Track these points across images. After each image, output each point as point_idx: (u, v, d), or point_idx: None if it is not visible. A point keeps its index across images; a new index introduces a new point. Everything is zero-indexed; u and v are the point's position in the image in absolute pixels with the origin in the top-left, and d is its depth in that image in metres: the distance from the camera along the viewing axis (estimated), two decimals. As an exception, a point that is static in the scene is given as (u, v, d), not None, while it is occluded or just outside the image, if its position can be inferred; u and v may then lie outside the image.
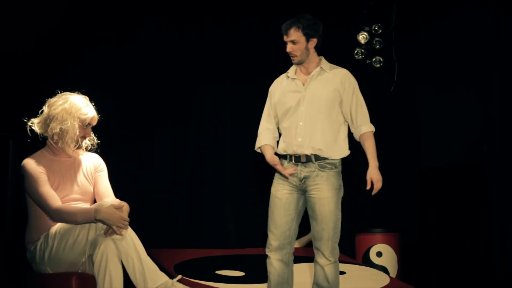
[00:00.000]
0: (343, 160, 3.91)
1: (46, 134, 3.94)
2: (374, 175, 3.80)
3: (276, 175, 3.94)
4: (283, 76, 4.03)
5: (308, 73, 3.93)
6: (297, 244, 4.86)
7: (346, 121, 3.94)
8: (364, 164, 3.93)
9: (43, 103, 3.97)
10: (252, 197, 6.00)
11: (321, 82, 3.89)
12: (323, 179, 3.82)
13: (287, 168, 3.87)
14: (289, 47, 3.86)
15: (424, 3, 6.00)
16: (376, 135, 3.93)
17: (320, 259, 3.84)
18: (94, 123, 4.01)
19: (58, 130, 3.87)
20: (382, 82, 6.23)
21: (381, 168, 3.85)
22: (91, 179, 4.04)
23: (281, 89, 3.97)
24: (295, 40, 3.84)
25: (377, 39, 6.13)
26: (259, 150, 4.02)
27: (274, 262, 3.87)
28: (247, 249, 5.69)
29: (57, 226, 3.80)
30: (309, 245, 4.98)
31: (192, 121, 6.05)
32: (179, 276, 3.88)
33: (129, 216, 3.78)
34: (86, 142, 4.05)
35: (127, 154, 5.68)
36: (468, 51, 5.70)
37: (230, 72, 6.12)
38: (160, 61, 5.87)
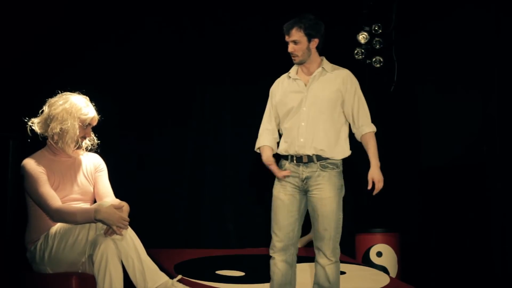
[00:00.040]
0: (344, 160, 3.91)
1: (46, 134, 3.94)
2: (375, 175, 3.80)
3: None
4: (284, 76, 4.03)
5: (309, 73, 3.93)
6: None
7: (347, 122, 3.94)
8: (364, 164, 3.93)
9: (44, 103, 3.97)
10: (252, 197, 6.01)
11: (323, 82, 3.89)
12: (324, 179, 3.82)
13: (283, 170, 3.87)
14: (291, 47, 3.86)
15: (424, 3, 6.00)
16: (376, 135, 3.93)
17: (321, 259, 3.84)
18: (94, 123, 4.01)
19: (58, 130, 3.87)
20: (382, 82, 6.23)
21: (381, 168, 3.85)
22: (91, 179, 4.04)
23: (282, 90, 3.96)
24: (297, 40, 3.83)
25: (377, 39, 6.13)
26: (258, 151, 4.02)
27: (279, 263, 3.87)
28: (247, 249, 5.69)
29: (57, 226, 3.80)
30: (309, 245, 4.98)
31: (192, 121, 6.05)
32: (179, 276, 3.88)
33: (129, 216, 3.78)
34: (86, 142, 4.05)
35: (127, 154, 5.68)
36: (468, 51, 5.70)
37: (230, 72, 6.12)
38: (160, 61, 5.87)
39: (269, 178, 4.01)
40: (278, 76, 4.07)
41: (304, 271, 4.78)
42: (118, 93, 5.58)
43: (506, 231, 5.36)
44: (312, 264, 4.00)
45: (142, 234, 3.86)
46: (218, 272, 4.90)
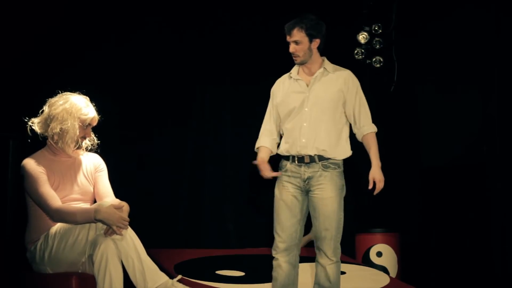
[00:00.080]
0: (344, 160, 3.92)
1: (46, 134, 3.94)
2: (376, 175, 3.81)
3: (280, 176, 3.93)
4: (285, 76, 4.03)
5: (311, 73, 3.93)
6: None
7: (348, 122, 3.94)
8: (364, 164, 3.93)
9: (44, 103, 3.97)
10: (252, 197, 6.00)
11: (325, 83, 3.89)
12: (326, 179, 3.82)
13: (283, 170, 3.88)
14: (292, 47, 3.86)
15: (424, 3, 6.00)
16: (376, 135, 3.93)
17: (322, 259, 3.85)
18: (94, 123, 4.01)
19: (58, 130, 3.86)
20: (382, 82, 6.23)
21: (381, 168, 3.85)
22: (91, 179, 4.04)
23: (284, 90, 3.96)
24: (298, 41, 3.83)
25: (377, 39, 6.14)
26: (257, 151, 4.02)
27: (283, 264, 3.87)
28: (247, 249, 5.69)
29: (57, 226, 3.80)
30: (310, 245, 4.98)
31: (192, 121, 6.05)
32: (179, 276, 3.88)
33: (129, 216, 3.78)
34: (86, 142, 4.05)
35: (127, 154, 5.68)
36: (468, 51, 5.70)
37: (230, 72, 6.12)
38: (160, 61, 5.87)
39: (269, 178, 4.01)
40: (278, 76, 4.07)
41: (305, 271, 4.78)
42: (118, 93, 5.58)
43: (506, 231, 5.36)
44: (313, 264, 4.00)
45: (142, 234, 3.86)
46: (218, 272, 4.90)
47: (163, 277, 3.76)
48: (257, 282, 4.63)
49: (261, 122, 4.06)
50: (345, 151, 3.89)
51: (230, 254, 5.50)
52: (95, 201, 4.03)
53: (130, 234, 3.75)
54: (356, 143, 3.97)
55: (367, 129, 3.89)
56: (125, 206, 3.82)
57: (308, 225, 3.95)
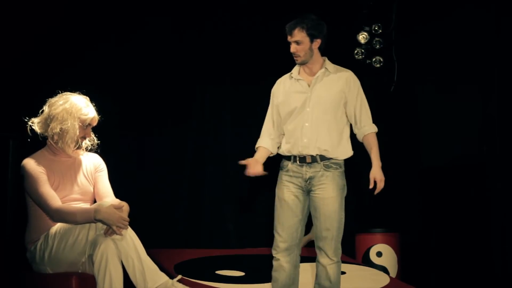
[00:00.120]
0: (345, 160, 3.92)
1: (46, 134, 3.94)
2: (377, 175, 3.81)
3: (281, 176, 3.93)
4: (285, 76, 4.02)
5: (312, 73, 3.93)
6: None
7: (349, 122, 3.95)
8: (364, 164, 3.93)
9: (44, 103, 3.97)
10: (252, 197, 6.00)
11: (326, 83, 3.89)
12: (328, 179, 3.82)
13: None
14: (293, 48, 3.86)
15: (424, 3, 6.00)
16: (376, 135, 3.93)
17: (323, 259, 3.85)
18: (94, 123, 4.01)
19: (58, 130, 3.86)
20: (382, 82, 6.23)
21: (382, 168, 3.85)
22: (91, 179, 4.04)
23: (285, 90, 3.96)
24: (299, 41, 3.83)
25: (377, 39, 6.13)
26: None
27: (284, 264, 3.87)
28: (247, 249, 5.69)
29: (57, 226, 3.80)
30: (310, 245, 4.98)
31: (192, 121, 6.05)
32: (179, 276, 3.88)
33: (129, 216, 3.78)
34: (86, 143, 4.05)
35: (127, 154, 5.68)
36: (468, 51, 5.70)
37: (230, 72, 6.12)
38: (160, 61, 5.87)
39: (269, 178, 4.01)
40: (279, 76, 4.07)
41: (306, 271, 4.78)
42: (118, 93, 5.58)
43: (506, 231, 5.36)
44: (313, 264, 4.00)
45: (142, 234, 3.86)
46: (218, 272, 4.90)
47: (163, 277, 3.76)
48: (257, 282, 4.63)
49: (261, 122, 4.06)
50: (347, 151, 3.90)
51: (230, 254, 5.50)
52: (95, 201, 4.03)
53: (130, 234, 3.75)
54: (355, 143, 3.97)
55: (368, 129, 3.90)
56: (125, 206, 3.82)
57: (308, 225, 3.95)
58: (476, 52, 5.65)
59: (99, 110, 4.03)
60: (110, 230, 3.67)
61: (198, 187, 5.99)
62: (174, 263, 4.87)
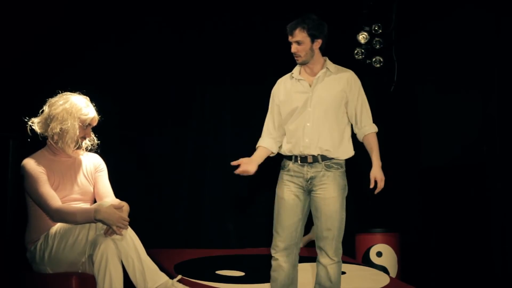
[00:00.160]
0: (346, 159, 3.92)
1: (46, 134, 3.94)
2: (378, 174, 3.81)
3: (282, 176, 3.93)
4: (286, 76, 4.02)
5: (313, 73, 3.93)
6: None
7: (350, 122, 3.95)
8: (364, 164, 3.93)
9: (44, 103, 3.97)
10: (252, 197, 6.00)
11: (327, 83, 3.90)
12: (329, 179, 3.82)
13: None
14: (294, 48, 3.86)
15: (424, 3, 6.00)
16: (376, 135, 3.94)
17: (323, 259, 3.85)
18: (94, 123, 4.01)
19: (58, 130, 3.86)
20: (382, 82, 6.23)
21: (382, 168, 3.85)
22: (91, 179, 4.04)
23: (286, 90, 3.96)
24: (300, 41, 3.83)
25: (377, 39, 6.13)
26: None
27: (283, 264, 3.87)
28: (247, 249, 5.69)
29: (57, 226, 3.80)
30: (310, 245, 4.98)
31: (192, 121, 6.05)
32: (179, 276, 3.88)
33: (129, 216, 3.78)
34: (86, 143, 4.05)
35: (127, 154, 5.68)
36: (468, 51, 5.70)
37: (230, 72, 6.12)
38: (160, 61, 5.87)
39: (269, 178, 4.01)
40: (279, 76, 4.07)
41: (306, 271, 4.78)
42: (118, 93, 5.58)
43: (506, 231, 5.36)
44: (314, 264, 4.00)
45: (142, 234, 3.86)
46: (218, 272, 4.90)
47: (163, 277, 3.76)
48: (257, 282, 4.63)
49: (261, 122, 4.06)
50: (348, 151, 3.90)
51: (230, 254, 5.50)
52: (95, 201, 4.03)
53: (130, 234, 3.75)
54: (356, 143, 3.97)
55: (368, 129, 3.90)
56: (125, 206, 3.82)
57: (308, 225, 3.95)
58: (476, 52, 5.65)
59: (99, 110, 4.03)
60: (110, 230, 3.67)
61: (198, 187, 5.99)
62: (174, 263, 4.87)
